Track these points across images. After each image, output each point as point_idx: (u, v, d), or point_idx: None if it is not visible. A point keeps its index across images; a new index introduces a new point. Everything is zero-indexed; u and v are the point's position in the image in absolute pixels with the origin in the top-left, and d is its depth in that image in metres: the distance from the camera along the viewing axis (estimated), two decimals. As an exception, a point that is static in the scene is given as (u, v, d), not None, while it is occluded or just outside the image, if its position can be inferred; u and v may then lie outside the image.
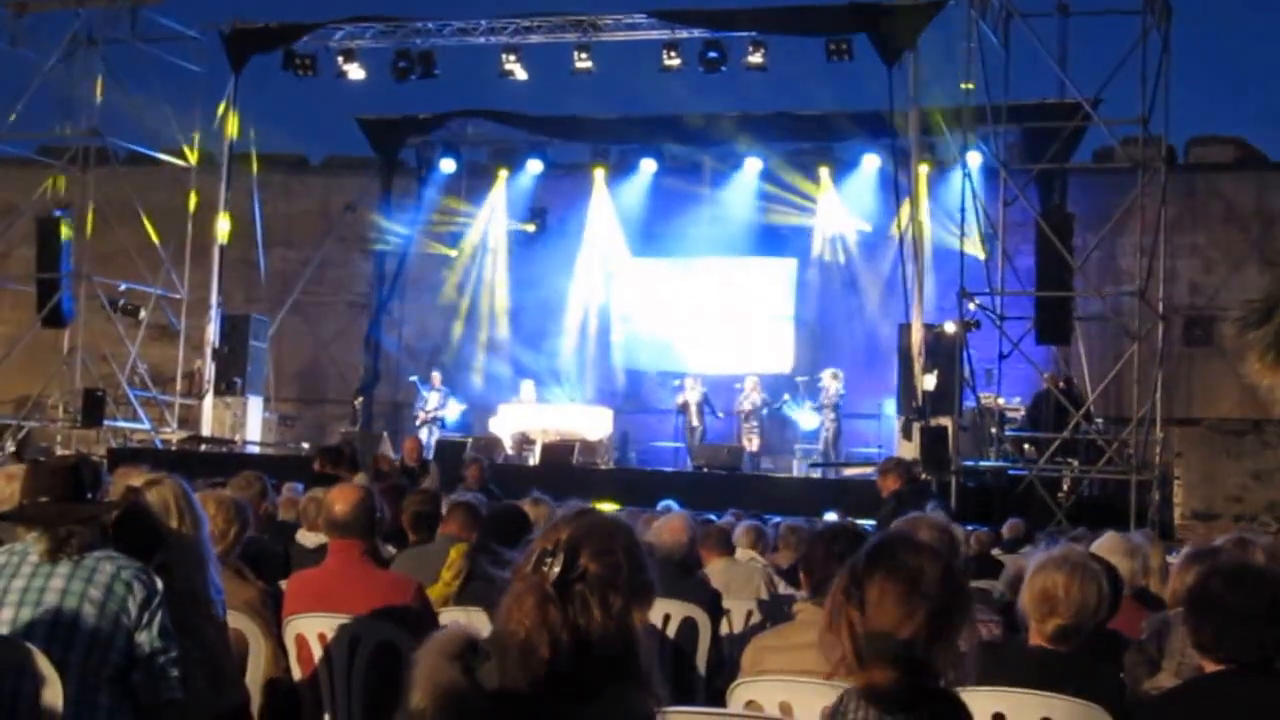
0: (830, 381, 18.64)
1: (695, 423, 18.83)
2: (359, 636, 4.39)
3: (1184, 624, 3.29)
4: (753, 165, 20.88)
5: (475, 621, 3.62)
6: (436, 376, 19.88)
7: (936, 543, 4.35)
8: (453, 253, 22.14)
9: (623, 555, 2.41)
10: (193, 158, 19.86)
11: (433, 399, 19.48)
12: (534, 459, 17.62)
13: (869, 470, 17.26)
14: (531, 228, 21.97)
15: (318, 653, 4.49)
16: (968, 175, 16.00)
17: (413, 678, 2.31)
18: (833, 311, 20.85)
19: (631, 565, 2.41)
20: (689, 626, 5.63)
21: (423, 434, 18.53)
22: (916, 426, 15.66)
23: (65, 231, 18.79)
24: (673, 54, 18.29)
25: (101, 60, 19.43)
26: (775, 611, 6.05)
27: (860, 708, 2.46)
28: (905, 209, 17.12)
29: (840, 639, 2.47)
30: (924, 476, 14.28)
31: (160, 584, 3.54)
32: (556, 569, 2.35)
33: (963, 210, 15.97)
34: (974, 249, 16.24)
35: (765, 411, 18.84)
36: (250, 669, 4.46)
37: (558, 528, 2.44)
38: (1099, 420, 16.71)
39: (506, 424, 18.58)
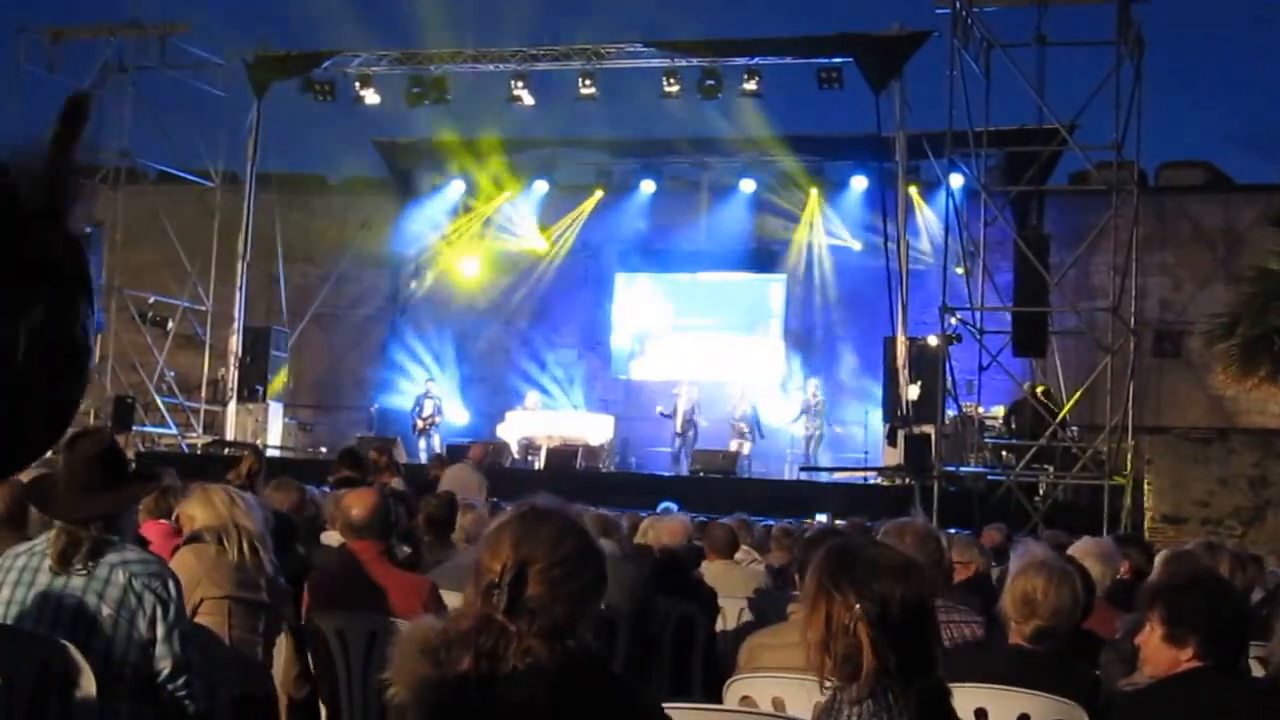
0: (813, 391, 18.75)
1: (679, 429, 18.68)
2: (375, 633, 4.38)
3: (1160, 623, 3.24)
4: (747, 186, 20.93)
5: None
6: (433, 385, 20.02)
7: (921, 547, 4.35)
8: (459, 268, 22.10)
9: (571, 565, 2.33)
10: (218, 178, 19.89)
11: (428, 406, 19.58)
12: (539, 464, 17.61)
13: (855, 474, 17.32)
14: (540, 247, 21.85)
15: (336, 648, 4.48)
16: (951, 196, 16.01)
17: (391, 671, 2.29)
18: (820, 324, 20.86)
19: (579, 571, 2.34)
20: (686, 624, 5.61)
21: (420, 440, 19.05)
22: (901, 434, 15.66)
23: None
24: (672, 81, 18.28)
25: (132, 85, 19.45)
26: (763, 609, 5.99)
27: (854, 705, 2.43)
28: (891, 228, 17.14)
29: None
30: (906, 481, 14.29)
31: (174, 587, 3.42)
32: (504, 601, 2.27)
33: (946, 230, 15.97)
34: (956, 267, 16.27)
35: (755, 418, 18.78)
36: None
37: (501, 541, 2.35)
38: (1073, 428, 16.69)
39: (513, 430, 18.54)
